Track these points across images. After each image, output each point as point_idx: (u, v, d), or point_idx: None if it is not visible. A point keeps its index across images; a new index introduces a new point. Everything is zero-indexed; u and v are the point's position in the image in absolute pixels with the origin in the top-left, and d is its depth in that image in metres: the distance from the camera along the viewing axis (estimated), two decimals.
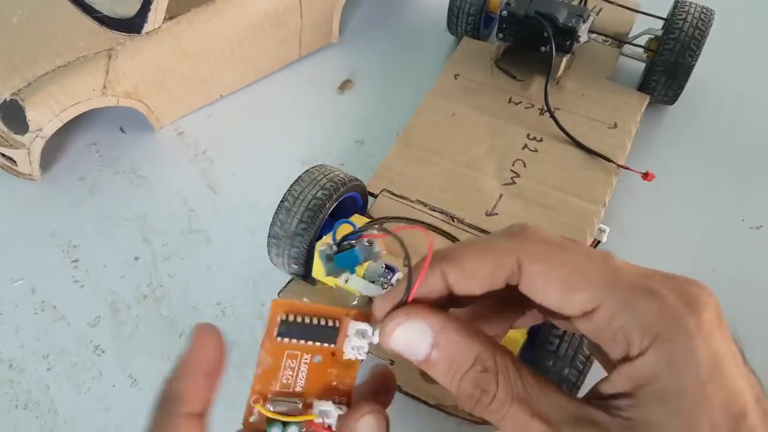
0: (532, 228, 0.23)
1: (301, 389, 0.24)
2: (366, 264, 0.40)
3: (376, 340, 0.23)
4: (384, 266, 0.40)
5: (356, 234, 0.25)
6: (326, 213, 0.42)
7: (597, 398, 0.21)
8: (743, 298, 0.49)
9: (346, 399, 0.24)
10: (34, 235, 0.53)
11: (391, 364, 0.40)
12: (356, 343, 0.24)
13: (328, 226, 0.43)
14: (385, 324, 0.22)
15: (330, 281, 0.41)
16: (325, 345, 0.24)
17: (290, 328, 0.23)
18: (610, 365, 0.21)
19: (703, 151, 0.60)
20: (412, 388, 0.39)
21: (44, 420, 0.44)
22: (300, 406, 0.24)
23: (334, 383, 0.24)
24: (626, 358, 0.20)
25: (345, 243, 0.25)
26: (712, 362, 0.19)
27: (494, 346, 0.22)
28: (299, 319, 0.23)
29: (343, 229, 0.25)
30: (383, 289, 0.40)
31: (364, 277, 0.40)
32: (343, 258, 0.25)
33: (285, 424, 0.23)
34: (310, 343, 0.24)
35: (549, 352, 0.36)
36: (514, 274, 0.22)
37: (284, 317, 0.23)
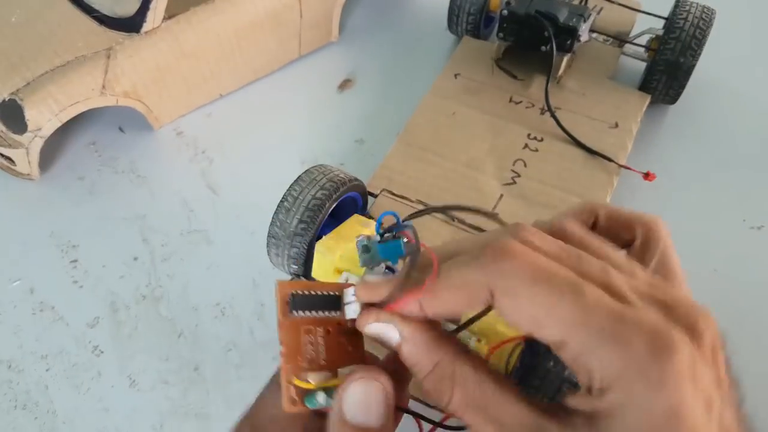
0: (511, 251, 0.22)
1: (325, 362, 0.24)
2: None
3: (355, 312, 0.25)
4: (384, 266, 0.40)
5: (400, 227, 0.25)
6: (326, 213, 0.42)
7: (563, 407, 0.22)
8: (743, 298, 0.49)
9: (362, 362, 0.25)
10: (33, 235, 0.53)
11: None
12: (353, 306, 0.25)
13: (327, 226, 0.43)
14: (360, 317, 0.24)
15: (330, 280, 0.41)
16: (332, 314, 0.25)
17: (299, 302, 0.24)
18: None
19: (703, 150, 0.59)
20: (415, 390, 0.39)
21: (43, 420, 0.44)
22: (330, 375, 0.24)
23: (349, 349, 0.25)
24: (589, 390, 0.21)
25: (388, 234, 0.25)
26: (669, 414, 0.19)
27: (456, 355, 0.23)
28: (305, 293, 0.25)
29: (388, 220, 0.25)
30: None
31: (363, 276, 0.40)
32: (387, 248, 0.25)
33: (325, 391, 0.23)
34: (319, 313, 0.25)
35: (549, 353, 0.36)
36: (488, 302, 0.22)
37: (293, 292, 0.24)
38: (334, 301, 0.25)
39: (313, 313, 0.25)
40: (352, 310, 0.25)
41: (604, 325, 0.20)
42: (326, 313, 0.25)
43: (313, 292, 0.25)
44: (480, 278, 0.22)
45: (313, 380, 0.23)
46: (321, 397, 0.23)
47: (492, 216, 0.30)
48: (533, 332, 0.22)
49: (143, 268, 0.51)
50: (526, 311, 0.21)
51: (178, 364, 0.46)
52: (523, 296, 0.21)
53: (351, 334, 0.25)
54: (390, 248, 0.25)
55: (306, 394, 0.23)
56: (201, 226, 0.54)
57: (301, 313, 0.24)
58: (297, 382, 0.23)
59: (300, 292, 0.24)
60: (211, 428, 0.44)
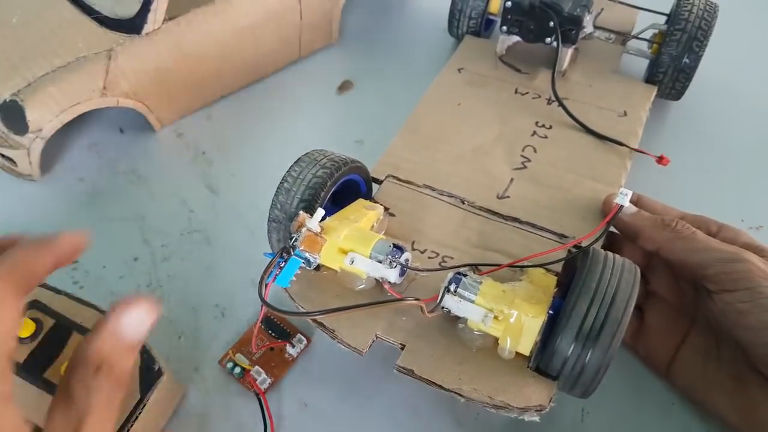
0: None
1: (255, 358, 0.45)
2: (373, 243, 0.38)
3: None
4: (392, 245, 0.38)
5: None
6: (328, 192, 0.40)
7: None
8: None
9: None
10: (34, 235, 0.52)
11: (402, 348, 0.38)
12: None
13: (329, 211, 0.41)
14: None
15: (334, 264, 0.39)
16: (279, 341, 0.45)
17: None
18: None
19: (703, 150, 0.59)
20: (427, 373, 0.37)
21: None
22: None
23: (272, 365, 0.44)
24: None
25: None
26: None
27: None
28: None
29: None
30: (391, 267, 0.38)
31: (370, 257, 0.38)
32: None
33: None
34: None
35: (562, 326, 0.34)
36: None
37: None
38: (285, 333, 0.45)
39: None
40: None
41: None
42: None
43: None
44: None
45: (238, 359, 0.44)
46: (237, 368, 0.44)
47: None
48: None
49: (144, 268, 0.50)
50: None
51: (178, 364, 0.45)
52: None
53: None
54: None
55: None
56: (201, 226, 0.53)
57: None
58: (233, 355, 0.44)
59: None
60: (212, 428, 0.42)
